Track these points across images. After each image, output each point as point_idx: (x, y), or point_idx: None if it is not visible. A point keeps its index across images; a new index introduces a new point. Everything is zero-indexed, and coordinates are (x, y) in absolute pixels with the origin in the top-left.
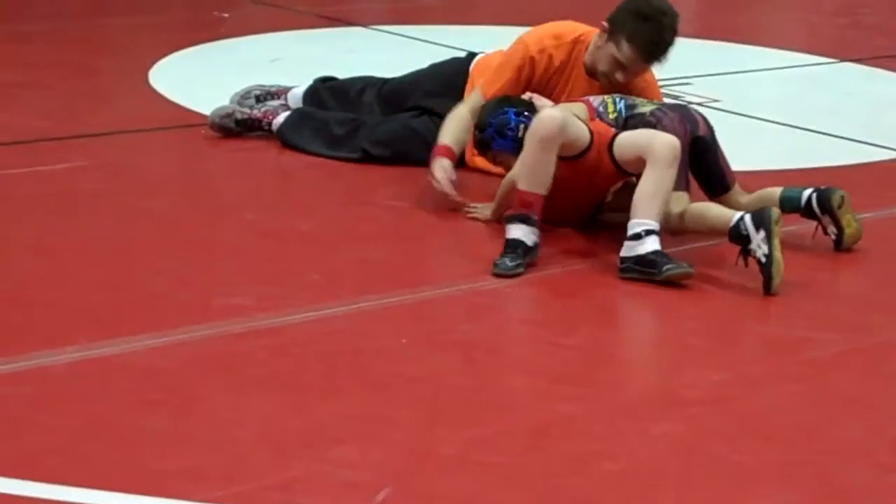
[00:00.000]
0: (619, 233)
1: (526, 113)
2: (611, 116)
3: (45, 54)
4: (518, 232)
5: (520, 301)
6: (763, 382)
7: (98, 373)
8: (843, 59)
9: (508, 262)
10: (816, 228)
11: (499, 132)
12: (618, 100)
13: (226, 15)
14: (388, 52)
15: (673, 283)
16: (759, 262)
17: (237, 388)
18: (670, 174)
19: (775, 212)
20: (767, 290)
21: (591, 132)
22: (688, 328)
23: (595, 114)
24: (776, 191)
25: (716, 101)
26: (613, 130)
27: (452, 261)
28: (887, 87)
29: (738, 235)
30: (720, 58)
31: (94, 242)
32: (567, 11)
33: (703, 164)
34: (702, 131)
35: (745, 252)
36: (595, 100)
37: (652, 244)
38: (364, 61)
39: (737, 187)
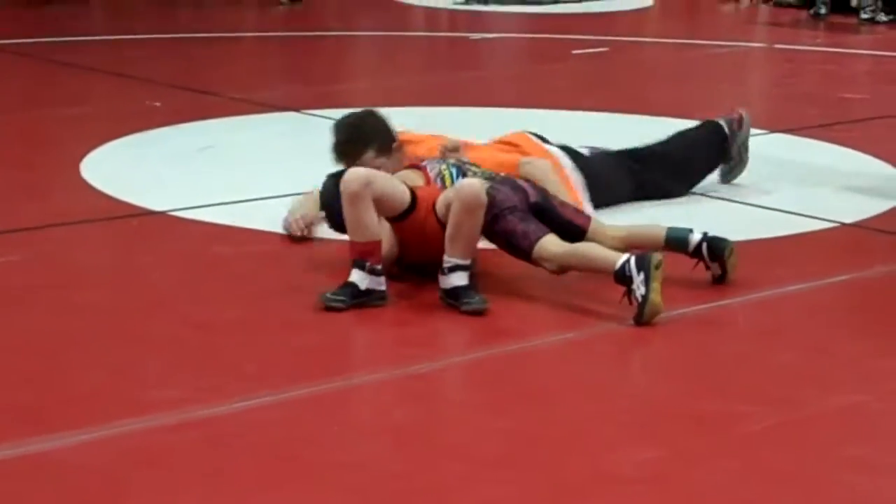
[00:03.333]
0: (541, 315)
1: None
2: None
3: None
4: (353, 276)
5: (450, 384)
6: (697, 459)
7: (25, 471)
8: (773, 130)
9: (329, 294)
10: (696, 265)
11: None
12: (455, 171)
13: (158, 104)
14: (318, 135)
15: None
16: (636, 300)
17: (168, 483)
18: (471, 217)
19: (656, 257)
20: (637, 322)
21: (415, 195)
22: (619, 405)
23: (431, 181)
24: (660, 230)
25: None
26: (438, 192)
27: (382, 345)
28: (818, 156)
29: (622, 276)
30: (648, 131)
31: (25, 336)
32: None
33: (544, 222)
34: (532, 198)
35: (628, 291)
36: (433, 169)
37: (457, 280)
38: (295, 145)
39: (595, 226)
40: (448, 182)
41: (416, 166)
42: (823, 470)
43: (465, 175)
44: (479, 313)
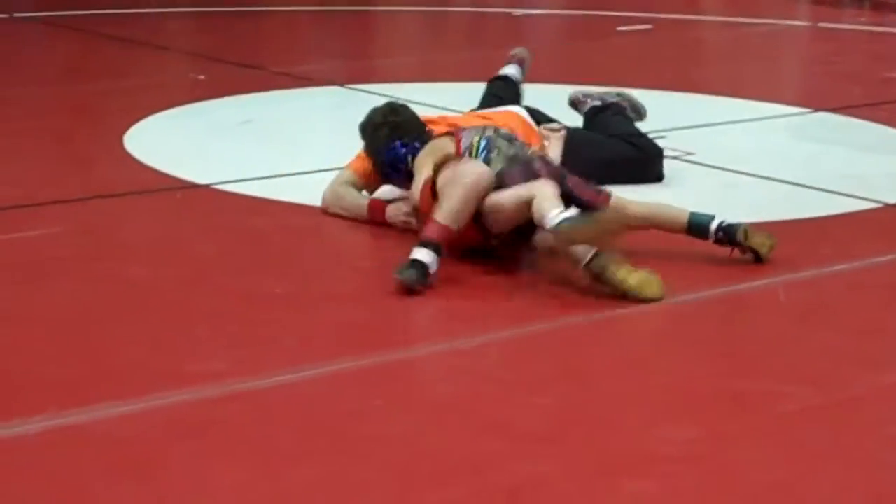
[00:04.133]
0: (581, 294)
1: (415, 144)
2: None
3: (19, 120)
4: (424, 256)
5: (491, 360)
6: (735, 439)
7: (67, 442)
8: (818, 109)
9: (406, 273)
10: (732, 252)
11: (392, 166)
12: (483, 145)
13: (202, 77)
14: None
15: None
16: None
17: (209, 454)
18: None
19: (597, 264)
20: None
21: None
22: (659, 383)
23: (461, 150)
24: (683, 214)
25: (690, 153)
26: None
27: (423, 321)
28: (862, 136)
29: (602, 281)
30: (694, 110)
31: (67, 309)
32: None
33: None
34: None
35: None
36: (466, 139)
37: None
38: (336, 119)
39: (615, 202)
40: (474, 154)
41: (451, 133)
42: (865, 450)
43: (490, 152)
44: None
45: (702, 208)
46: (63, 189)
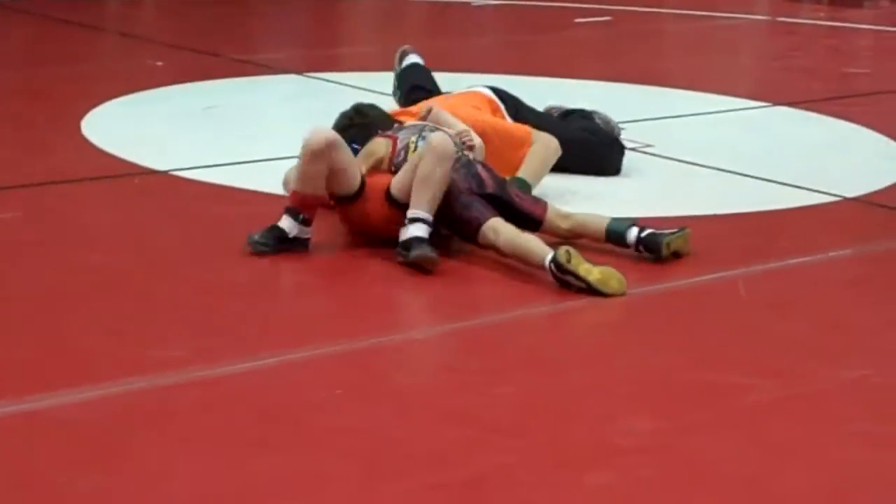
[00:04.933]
0: (547, 285)
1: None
2: (411, 156)
3: None
4: (283, 223)
5: (451, 350)
6: (697, 430)
7: (25, 428)
8: (776, 103)
9: (256, 237)
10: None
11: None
12: (419, 143)
13: (160, 63)
14: (320, 98)
15: (419, 267)
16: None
17: (169, 442)
18: (439, 167)
19: (561, 254)
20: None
21: (363, 183)
22: (620, 375)
23: (396, 151)
24: (602, 222)
25: (649, 145)
26: (390, 179)
27: (384, 310)
28: (821, 130)
29: (556, 279)
30: (653, 103)
31: (25, 294)
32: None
33: (500, 211)
34: (489, 188)
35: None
36: (402, 140)
37: (415, 230)
38: (297, 107)
39: (550, 215)
40: (411, 153)
41: (387, 135)
42: (828, 443)
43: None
44: (423, 262)
45: (661, 200)
46: (20, 174)
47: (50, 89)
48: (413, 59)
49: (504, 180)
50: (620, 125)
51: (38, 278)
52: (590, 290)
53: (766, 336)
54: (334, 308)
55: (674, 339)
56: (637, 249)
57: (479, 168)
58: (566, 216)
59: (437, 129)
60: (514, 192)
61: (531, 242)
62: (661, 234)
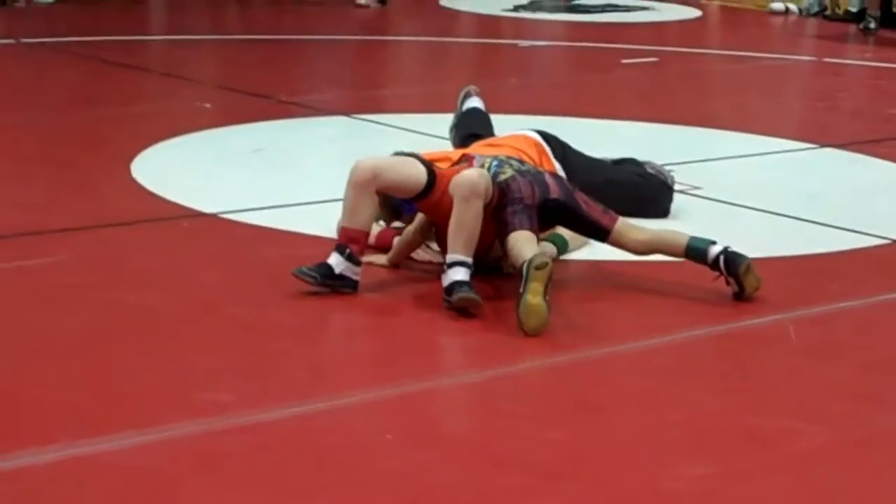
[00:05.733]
0: (596, 327)
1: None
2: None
3: (25, 146)
4: (331, 259)
5: (503, 395)
6: (747, 476)
7: (79, 472)
8: (823, 145)
9: (306, 269)
10: (717, 278)
11: (396, 213)
12: (494, 164)
13: (208, 105)
14: (367, 140)
15: (464, 311)
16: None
17: (219, 487)
18: (468, 208)
19: (539, 258)
20: (523, 330)
21: (435, 174)
22: (670, 419)
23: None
24: (682, 238)
25: (697, 188)
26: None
27: (436, 354)
28: (867, 172)
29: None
30: (701, 144)
31: (74, 337)
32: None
33: (566, 219)
34: (554, 194)
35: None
36: (478, 160)
37: (454, 275)
38: (344, 149)
39: (621, 226)
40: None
41: (465, 157)
42: (878, 489)
43: (497, 173)
44: (466, 305)
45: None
46: (70, 217)
47: (99, 131)
48: (474, 102)
49: (573, 188)
50: (669, 168)
51: (85, 321)
52: (516, 303)
53: (816, 381)
54: (382, 351)
55: (722, 383)
56: (716, 265)
57: (548, 176)
58: (641, 229)
59: (510, 157)
60: (582, 200)
61: (525, 248)
62: (745, 255)
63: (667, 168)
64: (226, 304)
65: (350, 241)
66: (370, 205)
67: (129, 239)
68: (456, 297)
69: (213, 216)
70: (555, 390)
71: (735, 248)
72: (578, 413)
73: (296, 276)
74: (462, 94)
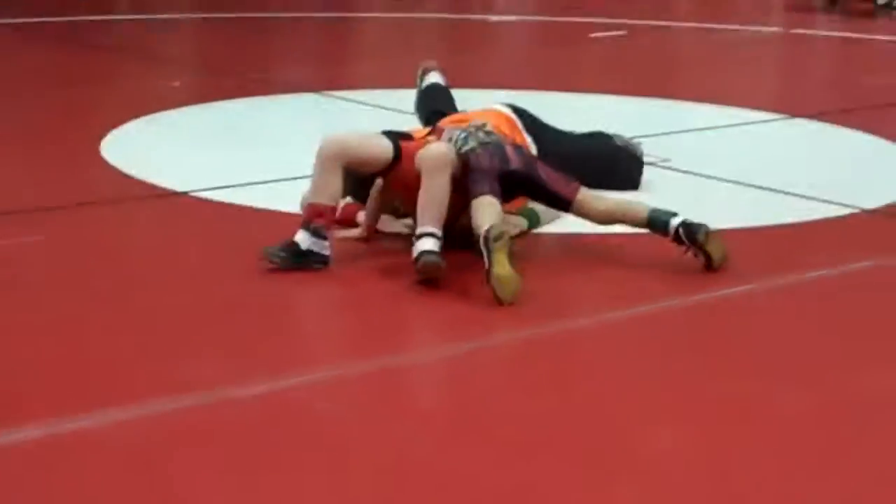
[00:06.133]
0: (569, 300)
1: None
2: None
3: None
4: (298, 236)
5: (478, 367)
6: (731, 441)
7: (55, 451)
8: (793, 115)
9: (273, 250)
10: (686, 252)
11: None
12: (461, 137)
13: (176, 84)
14: (337, 116)
15: (431, 280)
16: (485, 275)
17: (202, 461)
18: (435, 180)
19: (495, 229)
20: (498, 301)
21: (400, 148)
22: (650, 387)
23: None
24: (643, 209)
25: (666, 160)
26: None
27: (412, 328)
28: (838, 142)
29: (479, 255)
30: (670, 116)
31: (50, 316)
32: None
33: (528, 190)
34: (514, 164)
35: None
36: (447, 133)
37: (422, 245)
38: (315, 126)
39: (583, 196)
40: (454, 143)
41: (435, 130)
42: (860, 450)
43: (463, 144)
44: (429, 268)
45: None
46: (40, 196)
47: (67, 111)
48: (433, 78)
49: (534, 159)
50: (638, 140)
51: (60, 301)
52: (485, 277)
53: (791, 346)
54: (357, 326)
55: (697, 351)
56: (677, 237)
57: (509, 147)
58: (603, 199)
59: (479, 127)
60: (544, 171)
61: (486, 216)
62: (703, 224)
63: (635, 140)
64: (201, 281)
65: (316, 216)
66: (336, 180)
67: (100, 218)
68: (420, 262)
69: (184, 194)
70: (529, 363)
71: (706, 219)
72: (553, 385)
73: (267, 259)
74: (420, 71)
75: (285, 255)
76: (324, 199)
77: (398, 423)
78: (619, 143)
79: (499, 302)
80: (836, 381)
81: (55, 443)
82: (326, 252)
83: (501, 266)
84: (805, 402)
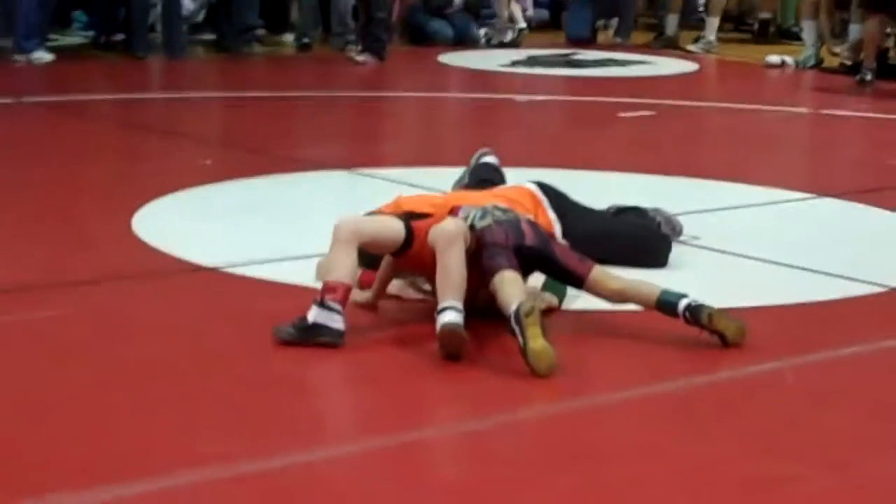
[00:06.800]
0: (594, 375)
1: None
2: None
3: (26, 204)
4: (310, 313)
5: (502, 443)
6: None
7: None
8: (821, 194)
9: (283, 327)
10: (700, 332)
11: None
12: (478, 215)
13: (208, 161)
14: (366, 193)
15: (453, 353)
16: (520, 350)
17: None
18: (450, 255)
19: (525, 306)
20: (534, 373)
21: (412, 230)
22: (671, 469)
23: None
24: (654, 290)
25: (696, 237)
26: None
27: (438, 402)
28: (866, 221)
29: (511, 333)
30: (699, 195)
31: (77, 391)
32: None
33: (542, 266)
34: (528, 241)
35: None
36: (463, 212)
37: (444, 318)
38: (343, 203)
39: (596, 274)
40: (468, 221)
41: (453, 210)
42: None
43: (479, 221)
44: (449, 335)
45: (707, 292)
46: (72, 272)
47: (99, 187)
48: (488, 158)
49: (549, 237)
50: (677, 216)
51: (88, 374)
52: (521, 353)
53: (817, 427)
54: (385, 401)
55: (723, 430)
56: (684, 317)
57: (524, 223)
58: (616, 278)
59: (497, 206)
60: (558, 249)
61: (511, 295)
62: (706, 306)
63: (674, 216)
64: (227, 357)
65: (327, 292)
66: (350, 260)
67: (130, 292)
68: (443, 333)
69: (214, 270)
70: (553, 438)
71: (735, 297)
72: (577, 461)
73: (278, 337)
74: (477, 154)
75: (292, 330)
76: (338, 277)
77: (421, 500)
78: (658, 217)
79: (536, 376)
80: (866, 464)
81: None
82: (337, 325)
83: (536, 340)
84: (834, 487)
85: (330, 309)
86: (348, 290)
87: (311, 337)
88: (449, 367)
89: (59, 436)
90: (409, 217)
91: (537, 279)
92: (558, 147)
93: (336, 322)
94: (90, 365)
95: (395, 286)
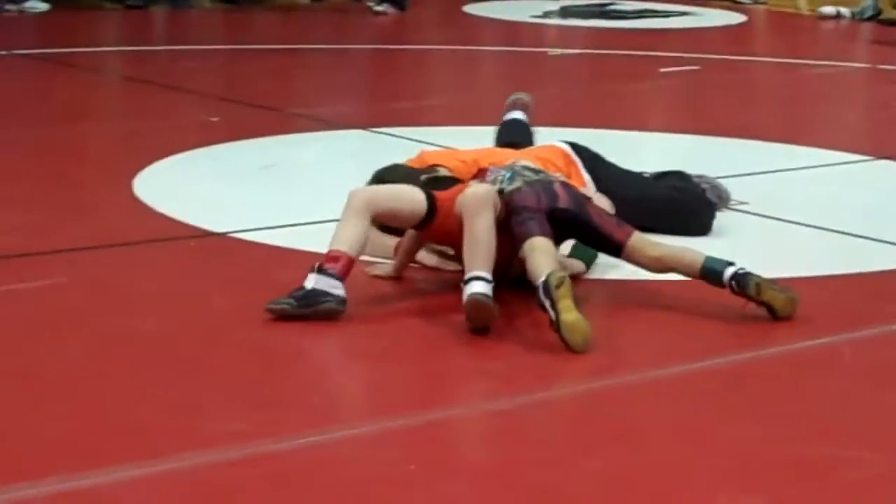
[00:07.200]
0: (633, 350)
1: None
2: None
3: (20, 163)
4: (308, 280)
5: (536, 422)
6: None
7: None
8: (878, 157)
9: (278, 299)
10: (746, 303)
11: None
12: (507, 177)
13: (215, 119)
14: (385, 155)
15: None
16: (554, 328)
17: None
18: (479, 222)
19: (555, 276)
20: (569, 348)
21: (434, 201)
22: (716, 448)
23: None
24: (698, 258)
25: (743, 203)
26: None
27: (462, 379)
28: None
29: (540, 305)
30: (746, 157)
31: (76, 364)
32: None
33: (577, 231)
34: (562, 203)
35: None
36: (492, 173)
37: (471, 288)
38: (360, 164)
39: (635, 241)
40: (497, 184)
41: (480, 171)
42: None
43: (509, 183)
44: (478, 309)
45: (754, 261)
46: (70, 237)
47: (100, 147)
48: (514, 115)
49: (585, 198)
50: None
51: (87, 347)
52: (553, 326)
53: (872, 406)
54: (405, 377)
55: (771, 409)
56: (730, 287)
57: (557, 184)
58: (656, 245)
59: (526, 165)
60: (594, 212)
61: (541, 264)
62: (754, 275)
63: (720, 182)
64: (237, 328)
65: (328, 261)
66: (358, 231)
67: (132, 260)
68: (469, 304)
69: (223, 235)
70: (590, 417)
71: (783, 267)
72: (616, 442)
73: (270, 311)
74: (510, 100)
75: (292, 300)
76: (342, 247)
77: (446, 483)
78: (704, 184)
79: (571, 350)
80: None
81: (68, 500)
82: (337, 292)
83: (569, 312)
84: (882, 467)
85: (326, 274)
86: (351, 262)
87: (312, 304)
88: (476, 340)
89: (52, 413)
90: (431, 184)
91: (566, 244)
92: (593, 105)
93: (336, 288)
94: (88, 337)
95: (421, 255)
